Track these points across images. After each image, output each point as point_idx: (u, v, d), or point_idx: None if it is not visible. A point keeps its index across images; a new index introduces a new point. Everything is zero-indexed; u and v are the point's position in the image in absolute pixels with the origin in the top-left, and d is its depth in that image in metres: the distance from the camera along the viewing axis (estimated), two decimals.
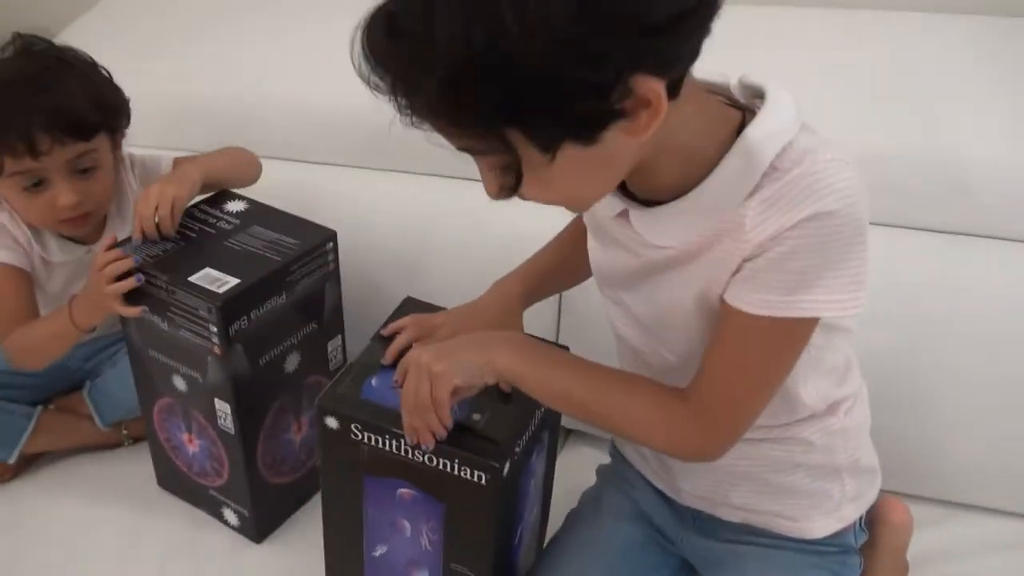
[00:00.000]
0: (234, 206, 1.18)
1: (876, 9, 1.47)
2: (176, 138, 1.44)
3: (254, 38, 1.55)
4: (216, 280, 1.04)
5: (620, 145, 0.66)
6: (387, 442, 0.88)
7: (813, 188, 0.69)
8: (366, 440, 0.90)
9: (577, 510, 1.09)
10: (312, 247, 1.11)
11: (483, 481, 0.86)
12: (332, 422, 0.90)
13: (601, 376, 0.83)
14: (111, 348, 1.35)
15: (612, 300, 0.89)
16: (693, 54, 0.66)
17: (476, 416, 0.89)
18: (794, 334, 0.75)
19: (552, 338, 1.27)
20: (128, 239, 1.11)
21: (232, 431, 1.11)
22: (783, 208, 0.69)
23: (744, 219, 0.71)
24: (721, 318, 0.76)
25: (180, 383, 1.12)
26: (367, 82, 0.64)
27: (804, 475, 0.90)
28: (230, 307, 1.02)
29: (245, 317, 1.04)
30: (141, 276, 1.06)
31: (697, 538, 0.99)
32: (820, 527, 0.94)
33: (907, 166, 1.19)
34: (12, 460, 1.26)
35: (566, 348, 0.98)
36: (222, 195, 1.20)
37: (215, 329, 1.02)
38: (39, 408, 1.30)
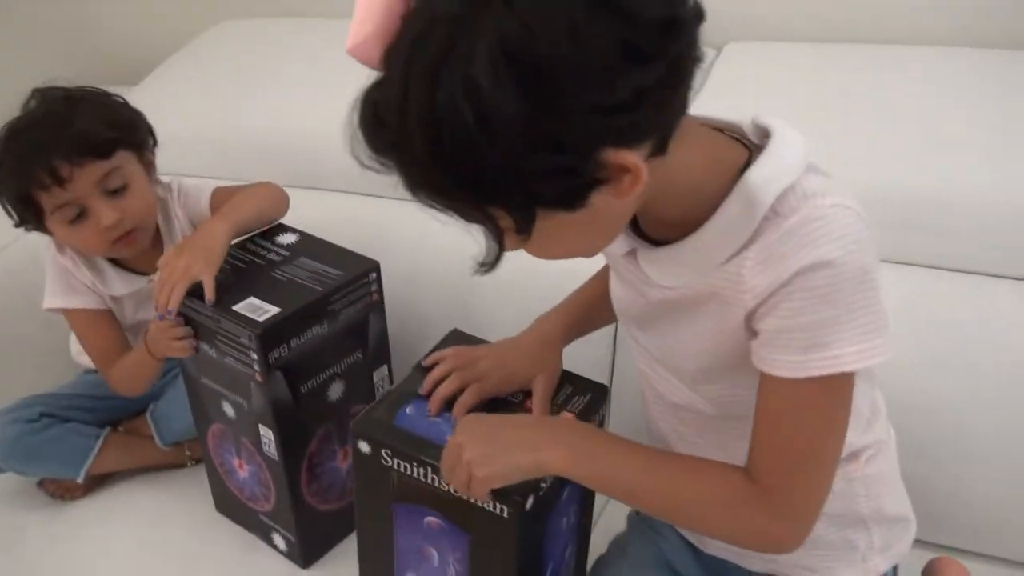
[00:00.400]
0: (285, 239, 1.23)
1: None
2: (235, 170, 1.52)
3: (310, 73, 1.65)
4: (258, 309, 1.08)
5: (610, 205, 0.66)
6: (415, 470, 0.89)
7: (810, 237, 0.67)
8: (396, 466, 0.91)
9: (604, 557, 1.08)
10: (355, 277, 1.14)
11: (505, 514, 0.86)
12: (364, 446, 0.92)
13: (660, 462, 0.79)
14: (173, 371, 1.41)
15: (631, 338, 0.89)
16: (674, 114, 0.66)
17: None
18: (830, 393, 0.72)
19: (607, 372, 1.27)
20: None
21: (276, 457, 1.14)
22: (779, 259, 0.68)
23: (742, 269, 0.70)
24: (759, 390, 0.74)
25: (229, 409, 1.17)
26: (360, 162, 0.66)
27: (824, 524, 0.85)
28: (269, 335, 1.06)
29: (285, 345, 1.08)
30: (193, 343, 1.14)
31: None
32: None
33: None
34: (81, 479, 1.32)
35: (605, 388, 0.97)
36: (276, 228, 1.25)
37: (255, 356, 1.06)
38: (106, 429, 1.36)
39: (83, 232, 1.20)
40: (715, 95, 1.37)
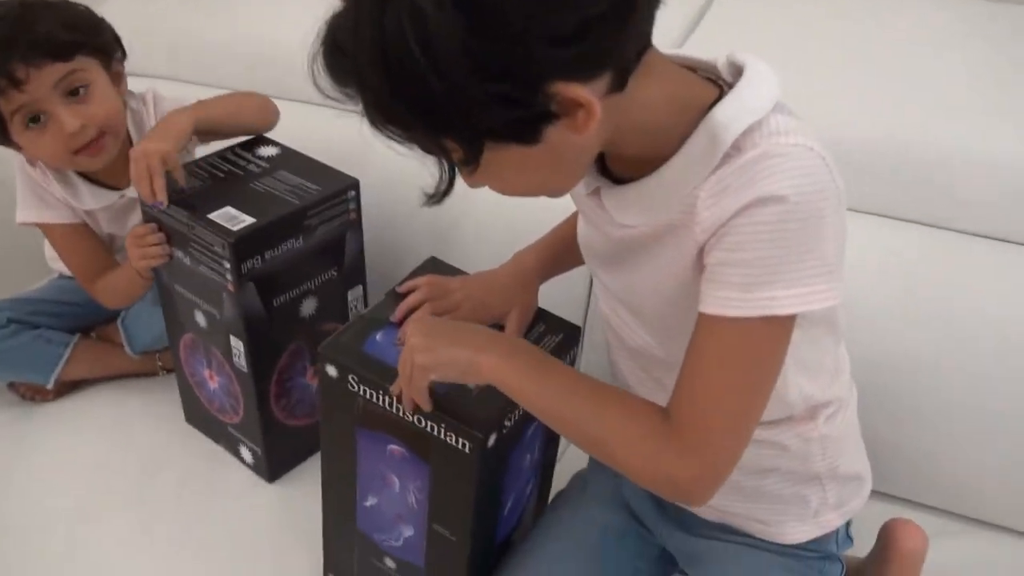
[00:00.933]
0: (266, 151, 1.21)
1: None
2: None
3: None
4: (234, 218, 1.07)
5: (568, 141, 0.65)
6: (380, 397, 0.90)
7: (766, 171, 0.66)
8: (362, 392, 0.91)
9: (564, 491, 1.09)
10: (333, 193, 1.13)
11: (467, 449, 0.86)
12: (331, 370, 0.92)
13: (585, 394, 0.76)
14: None
15: (596, 278, 0.89)
16: (628, 49, 0.65)
17: (471, 384, 0.88)
18: (766, 336, 0.69)
19: (581, 312, 1.27)
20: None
21: (245, 369, 1.14)
22: (731, 191, 0.67)
23: (696, 200, 0.69)
24: (695, 326, 0.72)
25: (201, 319, 1.17)
26: (323, 92, 0.66)
27: (777, 479, 0.87)
28: (243, 245, 1.05)
29: (259, 256, 1.07)
30: (167, 250, 1.14)
31: (676, 531, 0.98)
32: (795, 533, 0.91)
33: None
34: (50, 385, 1.33)
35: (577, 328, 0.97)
36: (258, 140, 1.24)
37: (228, 266, 1.06)
38: (76, 336, 1.36)
39: (45, 139, 1.17)
40: (703, 41, 1.36)
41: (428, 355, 0.80)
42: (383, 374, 0.89)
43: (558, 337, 0.98)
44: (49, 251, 1.42)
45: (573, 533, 1.01)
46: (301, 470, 1.27)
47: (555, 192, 0.76)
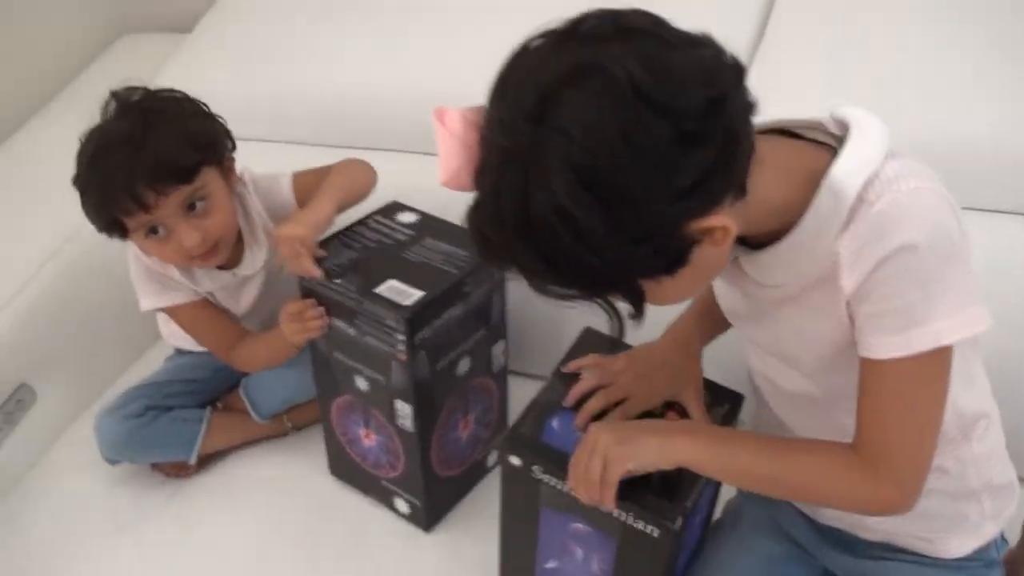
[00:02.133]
0: (406, 217, 1.26)
1: None
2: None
3: (361, 32, 1.62)
4: (401, 292, 1.13)
5: (710, 254, 0.73)
6: (565, 485, 0.95)
7: (895, 223, 0.72)
8: (546, 480, 0.97)
9: (720, 523, 1.15)
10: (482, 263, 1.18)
11: (656, 535, 0.92)
12: (515, 460, 0.98)
13: (777, 451, 0.87)
14: None
15: (740, 332, 0.95)
16: (743, 166, 0.71)
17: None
18: (931, 367, 0.77)
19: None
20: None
21: (411, 430, 1.20)
22: (868, 247, 0.73)
23: (839, 258, 0.76)
24: (861, 371, 0.80)
25: (362, 384, 1.22)
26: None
27: (938, 499, 0.93)
28: (416, 318, 1.11)
29: (428, 327, 1.13)
30: (327, 321, 1.19)
31: (840, 555, 1.04)
32: (958, 547, 0.97)
33: None
34: (192, 461, 1.39)
35: (741, 396, 1.03)
36: (393, 207, 1.28)
37: (401, 338, 1.11)
38: (208, 411, 1.42)
39: (166, 248, 1.22)
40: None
41: (624, 446, 0.87)
42: (565, 463, 0.94)
43: (724, 407, 1.03)
44: (166, 328, 1.47)
45: (737, 567, 1.07)
46: (451, 518, 1.34)
47: (702, 288, 0.84)
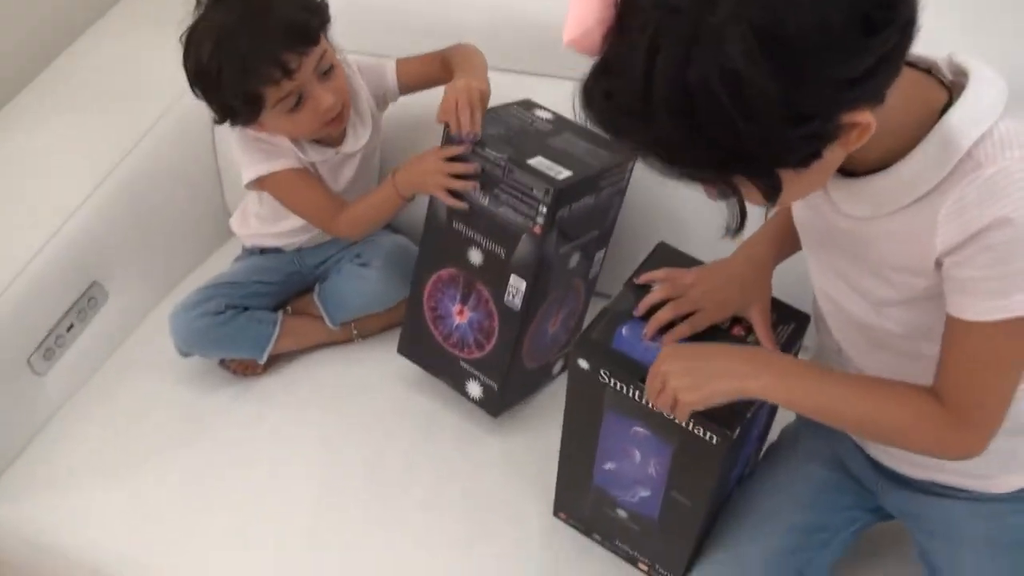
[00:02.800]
0: (543, 114, 1.32)
1: None
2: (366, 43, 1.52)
3: None
4: (551, 168, 1.18)
5: (834, 156, 0.73)
6: (630, 390, 1.01)
7: (1005, 192, 0.73)
8: (612, 384, 1.02)
9: (776, 446, 1.20)
10: (621, 162, 1.24)
11: (714, 441, 0.97)
12: (584, 364, 1.03)
13: (858, 394, 0.89)
14: (337, 255, 1.52)
15: (811, 253, 0.97)
16: (897, 73, 0.71)
17: None
18: (1020, 331, 0.79)
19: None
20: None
21: (517, 308, 1.25)
22: (974, 209, 0.75)
23: (937, 215, 0.77)
24: (947, 327, 0.82)
25: (476, 256, 1.26)
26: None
27: None
28: (564, 193, 1.16)
29: (568, 207, 1.18)
30: (476, 186, 1.20)
31: (893, 488, 1.07)
32: (1007, 483, 1.01)
33: None
34: (263, 360, 1.46)
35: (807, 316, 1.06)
36: (528, 103, 1.34)
37: (544, 210, 1.16)
38: (280, 314, 1.48)
39: (300, 118, 1.27)
40: None
41: (692, 394, 0.91)
42: (632, 370, 1.00)
43: (790, 327, 1.07)
44: (237, 220, 1.53)
45: (791, 490, 1.12)
46: (516, 414, 1.40)
47: (807, 195, 0.84)
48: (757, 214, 1.15)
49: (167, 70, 1.30)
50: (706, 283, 1.06)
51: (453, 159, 1.21)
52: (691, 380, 0.91)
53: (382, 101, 1.45)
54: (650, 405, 0.98)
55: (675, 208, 1.40)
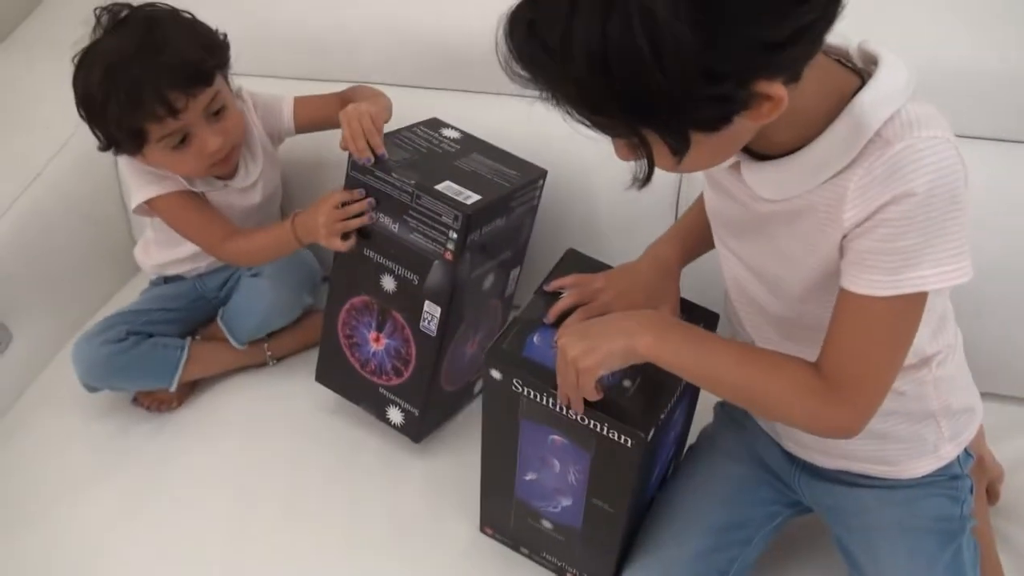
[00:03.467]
0: (450, 133, 1.32)
1: None
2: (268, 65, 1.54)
3: None
4: (460, 192, 1.18)
5: (744, 127, 0.75)
6: (544, 399, 1.02)
7: (910, 168, 0.76)
8: (525, 393, 1.03)
9: (694, 447, 1.22)
10: (530, 180, 1.25)
11: (629, 444, 0.99)
12: (496, 374, 1.04)
13: (740, 359, 0.90)
14: (236, 273, 1.51)
15: (724, 245, 0.99)
16: (816, 50, 0.73)
17: (627, 383, 1.01)
18: (909, 309, 0.82)
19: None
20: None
21: (433, 334, 1.25)
22: (879, 184, 0.77)
23: (847, 191, 0.79)
24: (839, 300, 0.84)
25: (389, 283, 1.26)
26: (510, 74, 0.73)
27: (897, 421, 0.99)
28: (474, 219, 1.16)
29: (478, 231, 1.18)
30: (376, 216, 1.20)
31: (809, 480, 1.10)
32: (917, 468, 1.03)
33: None
34: (173, 388, 1.43)
35: (716, 316, 1.08)
36: (435, 122, 1.34)
37: (454, 236, 1.16)
38: (188, 339, 1.46)
39: (185, 157, 1.26)
40: None
41: (590, 357, 0.92)
42: (545, 377, 1.01)
43: (699, 325, 1.08)
44: (140, 251, 1.51)
45: (710, 489, 1.14)
46: (438, 436, 1.40)
47: (710, 167, 0.86)
48: (666, 197, 1.14)
49: (66, 99, 1.28)
50: (614, 287, 1.08)
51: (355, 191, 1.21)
52: (586, 343, 0.92)
53: (276, 139, 1.44)
54: (561, 408, 0.99)
55: (588, 217, 1.42)
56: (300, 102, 1.40)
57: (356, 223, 1.21)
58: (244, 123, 1.33)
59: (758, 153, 0.85)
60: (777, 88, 0.70)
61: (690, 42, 0.65)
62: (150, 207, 1.35)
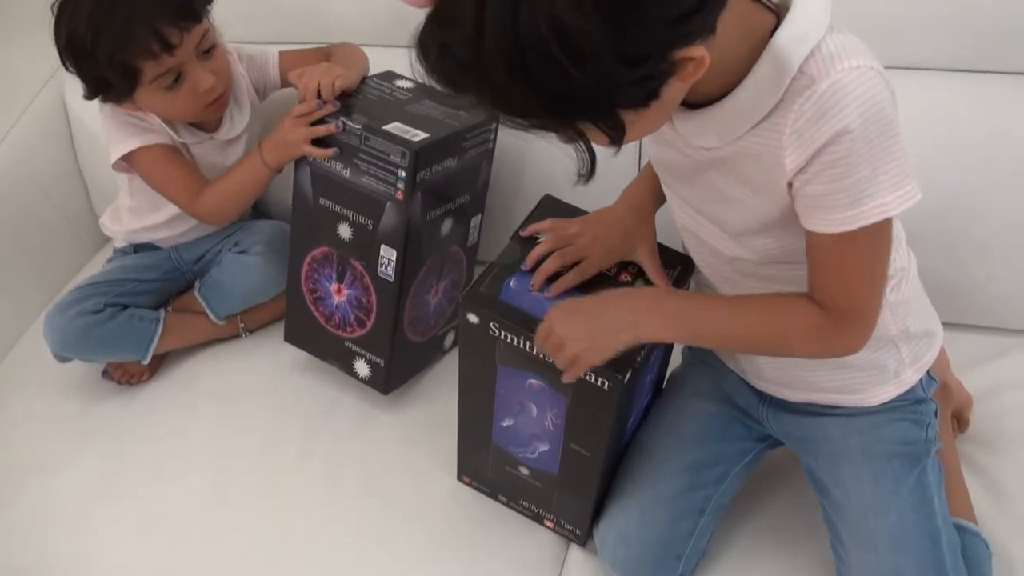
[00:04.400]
0: (403, 83, 1.34)
1: None
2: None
3: None
4: (407, 131, 1.20)
5: (676, 90, 0.77)
6: (521, 342, 1.04)
7: (840, 104, 0.77)
8: (502, 336, 1.06)
9: (665, 389, 1.26)
10: (482, 121, 1.27)
11: (606, 387, 1.02)
12: (473, 317, 1.06)
13: (741, 316, 0.95)
14: (215, 247, 1.52)
15: (672, 191, 1.03)
16: (723, 5, 0.74)
17: None
18: (881, 232, 0.86)
19: None
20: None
21: (391, 279, 1.27)
22: (813, 126, 0.79)
23: (781, 137, 0.81)
24: (810, 242, 0.88)
25: (345, 231, 1.28)
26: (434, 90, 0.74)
27: None
28: (422, 155, 1.18)
29: (428, 169, 1.21)
30: (340, 123, 1.22)
31: (776, 413, 1.14)
32: (879, 395, 1.07)
33: None
34: (146, 360, 1.44)
35: (690, 259, 1.11)
36: (389, 74, 1.36)
37: (403, 175, 1.18)
38: (162, 311, 1.47)
39: (178, 98, 1.26)
40: None
41: (594, 355, 0.95)
42: (522, 321, 1.04)
43: (676, 270, 1.12)
44: (108, 217, 1.51)
45: (681, 427, 1.18)
46: (409, 392, 1.43)
47: (652, 132, 0.88)
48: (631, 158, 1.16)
49: (15, 72, 1.27)
50: (590, 231, 1.10)
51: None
52: (589, 343, 0.95)
53: (262, 92, 1.46)
54: (538, 352, 1.02)
55: (545, 166, 1.44)
56: (285, 55, 1.42)
57: (322, 130, 1.23)
58: (231, 69, 1.34)
59: (690, 103, 0.87)
60: (696, 50, 0.72)
61: (600, 38, 0.66)
62: (129, 162, 1.34)
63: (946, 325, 1.15)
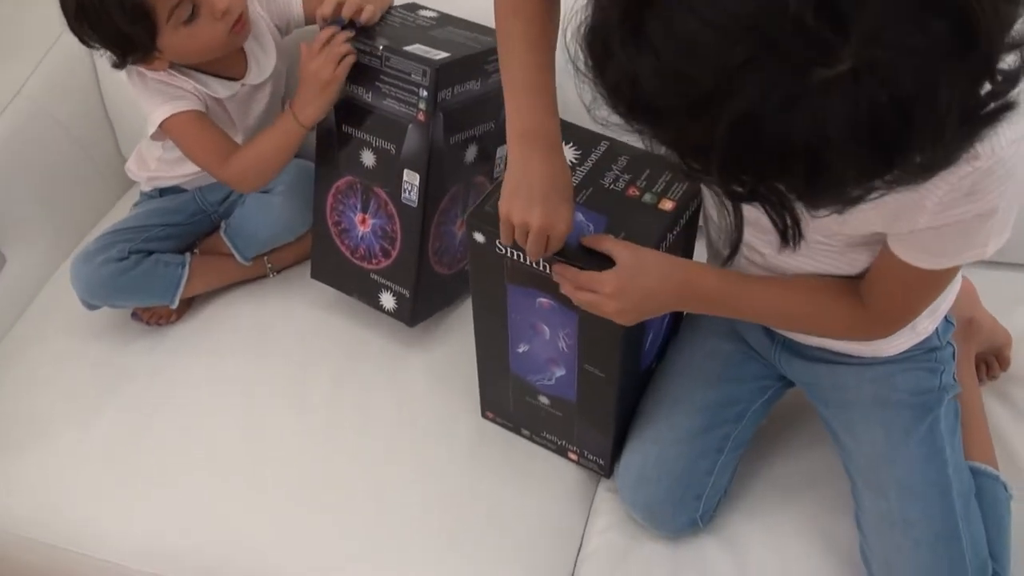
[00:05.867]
0: (427, 12, 1.35)
1: None
2: None
3: None
4: (429, 52, 1.21)
5: None
6: (526, 258, 1.04)
7: (995, 184, 0.75)
8: (509, 255, 1.06)
9: (681, 329, 1.26)
10: None
11: None
12: (479, 236, 1.07)
13: (779, 301, 1.00)
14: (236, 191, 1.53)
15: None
16: None
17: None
18: (955, 269, 0.89)
19: None
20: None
21: (415, 204, 1.28)
22: (962, 203, 0.77)
23: (926, 202, 0.78)
24: (890, 259, 0.87)
25: (369, 158, 1.30)
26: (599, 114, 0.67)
27: None
28: (443, 74, 1.18)
29: (450, 89, 1.21)
30: (353, 59, 1.23)
31: (789, 358, 1.14)
32: (894, 345, 1.07)
33: None
34: (174, 304, 1.47)
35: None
36: (412, 5, 1.37)
37: (425, 94, 1.19)
38: (188, 255, 1.49)
39: (199, 30, 1.26)
40: None
41: (631, 319, 1.00)
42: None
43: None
44: (134, 162, 1.53)
45: (698, 367, 1.19)
46: (434, 327, 1.44)
47: None
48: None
49: (36, 19, 1.28)
50: None
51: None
52: (634, 316, 1.00)
53: (285, 29, 1.46)
54: (545, 267, 1.01)
55: (562, 94, 1.39)
56: None
57: (352, 56, 1.24)
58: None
59: None
60: None
61: (861, 168, 0.58)
62: (163, 129, 1.36)
63: (985, 263, 1.09)
